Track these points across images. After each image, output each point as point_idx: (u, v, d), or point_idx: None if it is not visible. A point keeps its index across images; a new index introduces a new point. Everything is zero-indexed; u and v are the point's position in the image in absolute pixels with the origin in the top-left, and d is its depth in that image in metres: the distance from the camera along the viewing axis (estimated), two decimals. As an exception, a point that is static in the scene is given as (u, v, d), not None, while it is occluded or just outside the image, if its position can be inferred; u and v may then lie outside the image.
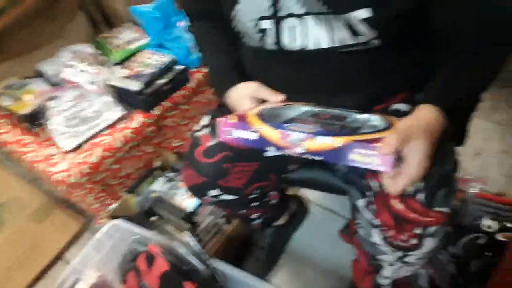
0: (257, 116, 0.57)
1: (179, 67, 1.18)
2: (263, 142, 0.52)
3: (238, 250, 1.16)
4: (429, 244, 0.66)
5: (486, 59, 0.60)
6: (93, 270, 0.98)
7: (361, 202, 0.71)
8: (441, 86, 0.60)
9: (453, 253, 0.94)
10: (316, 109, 0.62)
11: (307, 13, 0.59)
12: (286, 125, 0.52)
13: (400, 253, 0.69)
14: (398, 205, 0.65)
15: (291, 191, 1.30)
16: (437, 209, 0.64)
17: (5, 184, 1.43)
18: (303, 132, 0.50)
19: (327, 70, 0.66)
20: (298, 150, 0.49)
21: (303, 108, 0.63)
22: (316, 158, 0.49)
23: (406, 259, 0.70)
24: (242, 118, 0.56)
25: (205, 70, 1.25)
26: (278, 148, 0.51)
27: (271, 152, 0.52)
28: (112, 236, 1.01)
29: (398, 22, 0.59)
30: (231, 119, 0.55)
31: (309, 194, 1.32)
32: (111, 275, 0.96)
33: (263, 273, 1.11)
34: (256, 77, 0.74)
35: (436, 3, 0.59)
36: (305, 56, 0.64)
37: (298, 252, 1.18)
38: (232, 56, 0.78)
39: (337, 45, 0.61)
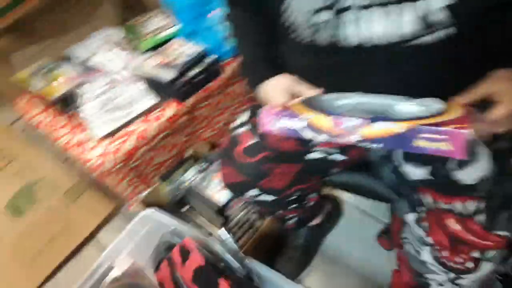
0: (302, 104, 0.52)
1: (211, 58, 1.14)
2: (313, 131, 0.47)
3: (270, 248, 1.14)
4: (486, 268, 0.63)
5: None
6: (127, 257, 0.99)
7: (411, 217, 0.68)
8: None
9: (502, 271, 0.90)
10: (363, 99, 0.56)
11: (372, 4, 0.52)
12: (340, 111, 0.48)
13: (452, 275, 0.66)
14: (454, 226, 0.61)
15: (326, 190, 1.26)
16: (497, 232, 0.60)
17: (39, 163, 1.45)
18: (360, 117, 0.45)
19: (390, 69, 0.58)
20: (353, 138, 0.45)
21: (346, 99, 0.57)
22: (375, 146, 0.44)
23: (459, 281, 0.66)
24: (287, 108, 0.51)
25: (238, 61, 1.20)
26: (331, 136, 0.46)
27: (321, 138, 0.47)
28: (146, 225, 1.01)
29: (477, 15, 0.51)
30: (275, 108, 0.51)
31: (345, 195, 1.28)
32: (144, 262, 0.97)
33: (295, 273, 1.10)
34: (302, 77, 0.68)
35: None
36: (363, 53, 0.57)
37: (332, 254, 1.15)
38: (269, 48, 0.73)
39: (405, 39, 0.53)
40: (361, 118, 0.44)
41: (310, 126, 0.47)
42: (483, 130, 0.49)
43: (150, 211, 1.02)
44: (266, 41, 0.73)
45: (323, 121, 0.47)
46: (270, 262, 1.10)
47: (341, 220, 1.22)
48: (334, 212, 1.19)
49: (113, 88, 1.12)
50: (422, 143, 0.42)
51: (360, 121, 0.44)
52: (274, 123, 0.50)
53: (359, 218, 1.22)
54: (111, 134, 1.07)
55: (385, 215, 1.15)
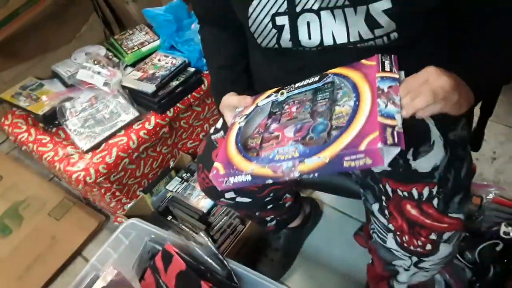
0: (237, 150, 0.59)
1: (191, 69, 1.19)
2: (259, 179, 0.54)
3: (252, 251, 1.17)
4: (444, 249, 0.66)
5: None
6: (111, 268, 1.00)
7: (375, 207, 0.71)
8: (466, 60, 0.59)
9: (471, 259, 0.94)
10: (281, 98, 0.63)
11: (322, 8, 0.58)
12: (271, 156, 0.54)
13: (415, 258, 0.69)
14: (412, 211, 0.65)
15: (305, 193, 1.30)
16: (452, 215, 0.64)
17: (25, 182, 1.48)
18: (290, 159, 0.51)
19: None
20: (294, 175, 0.51)
21: (267, 103, 0.64)
22: (314, 175, 0.50)
23: (422, 265, 0.70)
24: (228, 164, 0.57)
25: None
26: (276, 179, 0.52)
27: (270, 181, 0.54)
28: (129, 235, 1.03)
29: (420, 17, 0.57)
30: (220, 169, 0.58)
31: (323, 197, 1.32)
32: (128, 272, 0.98)
33: (277, 274, 1.12)
34: (271, 79, 0.73)
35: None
36: (322, 53, 0.63)
37: (312, 254, 1.18)
38: (232, 69, 0.79)
39: (354, 40, 0.59)
40: (292, 159, 0.51)
41: (256, 177, 0.54)
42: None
43: (132, 222, 1.04)
44: (230, 62, 0.79)
45: (263, 171, 0.53)
46: (252, 265, 1.12)
47: (320, 221, 1.26)
48: (313, 213, 1.22)
49: (96, 103, 1.16)
50: (349, 164, 0.47)
51: (292, 162, 0.50)
52: (226, 182, 0.57)
53: (337, 219, 1.26)
54: (94, 147, 1.10)
55: (362, 214, 1.19)
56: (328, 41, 0.60)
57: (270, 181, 0.53)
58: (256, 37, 0.65)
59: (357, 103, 0.51)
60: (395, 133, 0.46)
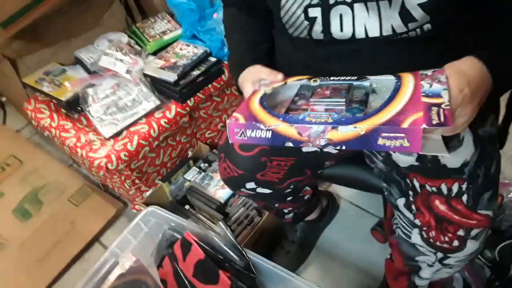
0: (262, 107, 0.54)
1: (212, 59, 1.19)
2: (280, 138, 0.49)
3: (269, 243, 1.17)
4: (471, 246, 0.66)
5: None
6: (130, 254, 1.01)
7: (401, 201, 0.71)
8: (494, 48, 0.57)
9: (490, 257, 0.93)
10: (313, 84, 0.60)
11: (356, 0, 0.57)
12: (301, 117, 0.49)
13: (441, 255, 0.68)
14: (441, 206, 0.64)
15: (322, 186, 1.30)
16: (481, 211, 0.63)
17: (45, 168, 1.50)
18: (322, 123, 0.47)
19: (376, 63, 0.63)
20: (320, 143, 0.46)
21: (296, 84, 0.60)
22: (342, 148, 0.46)
23: (447, 261, 0.69)
24: (251, 116, 0.53)
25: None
26: (298, 142, 0.48)
27: (290, 144, 0.49)
28: (148, 222, 1.04)
29: (453, 8, 0.56)
30: (240, 118, 0.52)
31: (340, 191, 1.31)
32: (147, 259, 0.99)
33: (293, 267, 1.12)
34: (299, 66, 0.72)
35: None
36: (353, 46, 0.62)
37: (328, 248, 1.18)
38: (254, 45, 0.76)
39: (387, 34, 0.58)
40: (323, 124, 0.46)
41: (276, 135, 0.49)
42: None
43: (152, 209, 1.05)
44: (253, 38, 0.77)
45: (288, 129, 0.48)
46: (268, 256, 1.12)
47: (337, 215, 1.25)
48: (330, 207, 1.22)
49: (118, 91, 1.17)
50: (384, 142, 0.43)
51: (324, 127, 0.46)
52: (243, 134, 0.52)
53: (354, 213, 1.25)
54: (116, 135, 1.11)
55: (379, 210, 1.18)
56: (360, 34, 0.59)
57: (290, 144, 0.48)
58: (287, 28, 0.64)
59: (398, 83, 0.48)
60: (441, 111, 0.43)
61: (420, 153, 0.43)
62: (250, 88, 0.65)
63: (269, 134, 0.49)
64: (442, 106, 0.43)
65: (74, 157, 1.42)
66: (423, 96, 0.45)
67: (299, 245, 1.14)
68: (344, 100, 0.53)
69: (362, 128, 0.44)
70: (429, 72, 0.49)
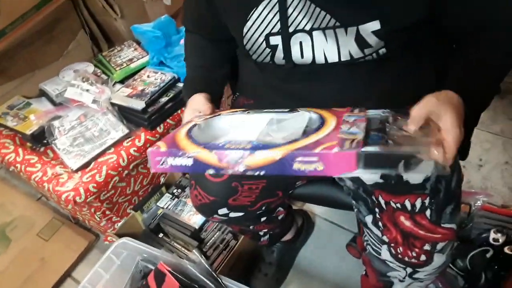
0: (187, 137, 0.55)
1: (180, 85, 1.20)
2: (201, 166, 0.49)
3: (246, 266, 1.16)
4: (438, 259, 0.67)
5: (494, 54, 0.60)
6: (103, 289, 0.98)
7: (369, 219, 0.72)
8: (458, 75, 0.59)
9: (462, 267, 0.95)
10: (247, 115, 0.61)
11: (314, 28, 0.60)
12: (221, 144, 0.50)
13: (410, 269, 0.70)
14: (406, 222, 0.66)
15: (296, 205, 1.30)
16: (445, 225, 0.65)
17: (12, 203, 1.45)
18: (240, 149, 0.47)
19: (336, 83, 0.67)
20: (239, 169, 0.47)
21: (231, 116, 0.62)
22: (260, 173, 0.47)
23: (416, 275, 0.70)
24: (173, 144, 0.53)
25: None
26: (218, 169, 0.48)
27: (211, 172, 0.50)
28: (120, 255, 1.01)
29: (406, 32, 0.59)
30: (162, 147, 0.53)
31: (314, 208, 1.32)
32: (120, 294, 0.96)
33: (271, 289, 1.11)
34: (263, 86, 0.75)
35: (445, 10, 0.59)
36: (314, 71, 0.65)
37: (306, 267, 1.18)
38: (210, 71, 0.79)
39: (345, 59, 0.61)
40: (242, 150, 0.47)
41: (197, 162, 0.49)
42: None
43: (123, 241, 1.02)
44: (208, 64, 0.79)
45: (207, 156, 0.49)
46: (246, 280, 1.11)
47: (313, 232, 1.26)
48: (306, 226, 1.22)
49: (85, 121, 1.15)
50: (299, 166, 0.45)
51: (242, 153, 0.47)
52: (164, 162, 0.52)
53: (329, 230, 1.26)
54: (84, 166, 1.08)
55: (353, 225, 1.19)
56: (320, 60, 0.63)
57: (211, 171, 0.49)
58: (251, 54, 0.67)
59: (320, 126, 0.51)
60: (354, 142, 0.45)
61: (336, 175, 0.46)
62: (189, 115, 0.67)
63: (190, 162, 0.50)
64: (355, 140, 0.45)
65: (41, 191, 1.37)
66: (340, 133, 0.48)
67: (277, 266, 1.14)
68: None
69: (277, 153, 0.46)
70: (350, 120, 0.52)
